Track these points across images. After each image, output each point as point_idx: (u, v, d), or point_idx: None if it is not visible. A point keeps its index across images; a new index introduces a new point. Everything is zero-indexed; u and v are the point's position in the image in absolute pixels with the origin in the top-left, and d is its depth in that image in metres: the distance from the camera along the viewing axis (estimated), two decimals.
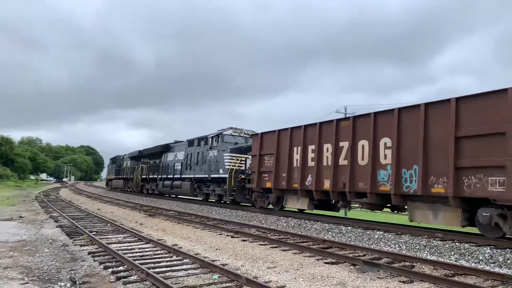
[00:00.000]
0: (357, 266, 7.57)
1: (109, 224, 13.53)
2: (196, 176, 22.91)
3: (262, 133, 17.29)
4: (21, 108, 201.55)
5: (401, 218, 18.70)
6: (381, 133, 11.78)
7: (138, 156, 35.05)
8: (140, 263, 7.18)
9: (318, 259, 8.24)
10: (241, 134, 21.34)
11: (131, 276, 6.64)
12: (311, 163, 14.32)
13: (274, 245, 9.77)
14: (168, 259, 8.08)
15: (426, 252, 8.89)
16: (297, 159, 15.04)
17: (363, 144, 12.32)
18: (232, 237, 11.15)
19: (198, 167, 22.78)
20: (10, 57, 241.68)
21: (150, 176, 30.89)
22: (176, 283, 6.18)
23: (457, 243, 9.25)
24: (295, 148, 15.19)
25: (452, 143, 9.69)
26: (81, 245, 9.52)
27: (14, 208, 20.19)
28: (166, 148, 28.94)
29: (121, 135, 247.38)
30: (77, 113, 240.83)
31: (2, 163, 66.74)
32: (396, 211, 12.71)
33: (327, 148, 13.67)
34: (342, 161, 12.99)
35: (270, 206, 17.18)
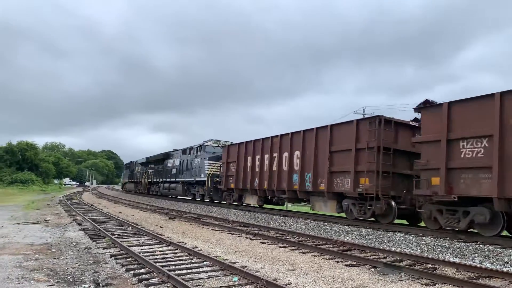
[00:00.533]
0: (377, 269, 7.49)
1: (130, 227, 13.76)
2: (185, 179, 27.80)
3: (228, 145, 22.20)
4: (46, 115, 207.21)
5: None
6: (295, 147, 16.19)
7: (146, 162, 39.45)
8: (161, 266, 7.29)
9: (338, 262, 8.19)
10: (219, 145, 25.34)
11: (153, 278, 6.75)
12: (257, 169, 18.85)
13: (293, 248, 9.76)
14: (189, 261, 8.17)
15: (448, 254, 8.73)
16: (249, 165, 19.60)
17: (286, 155, 16.74)
18: (251, 239, 11.18)
19: (188, 172, 27.42)
20: (37, 66, 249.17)
21: (154, 180, 35.75)
22: (197, 285, 6.25)
23: (481, 245, 9.04)
24: (248, 157, 19.69)
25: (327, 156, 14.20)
26: (104, 248, 9.72)
27: (39, 212, 20.74)
28: (167, 156, 33.22)
29: (142, 139, 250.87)
30: (100, 118, 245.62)
31: (27, 168, 68.58)
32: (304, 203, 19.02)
33: (266, 157, 18.15)
34: (274, 167, 17.41)
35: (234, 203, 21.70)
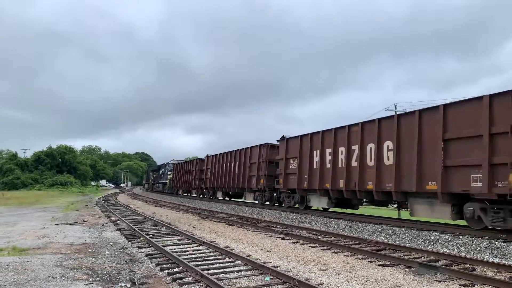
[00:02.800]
0: (412, 269, 7.32)
1: (164, 227, 14.07)
2: (162, 182, 51.48)
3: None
4: (85, 119, 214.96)
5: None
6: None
7: (153, 170, 63.38)
8: (194, 265, 7.42)
9: (371, 262, 8.06)
10: (175, 162, 45.71)
11: (186, 277, 6.88)
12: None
13: (325, 247, 9.68)
14: (221, 260, 8.28)
15: (488, 254, 8.40)
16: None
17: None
18: (282, 239, 11.19)
19: (164, 177, 50.11)
20: (78, 71, 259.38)
21: (153, 182, 58.99)
22: (229, 285, 6.32)
23: None
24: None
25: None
26: (139, 248, 10.00)
27: (78, 213, 21.57)
28: (160, 167, 56.50)
29: (178, 140, 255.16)
30: (136, 121, 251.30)
31: (67, 171, 71.49)
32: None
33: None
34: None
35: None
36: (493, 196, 9.59)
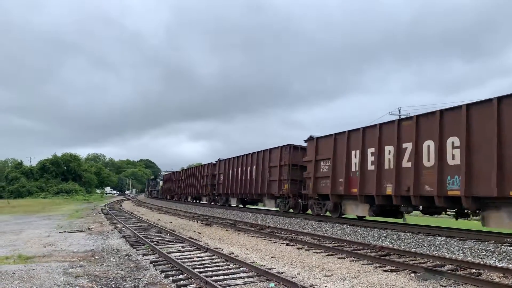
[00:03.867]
0: (418, 274, 7.28)
1: (168, 234, 14.08)
2: (156, 189, 61.82)
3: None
4: (90, 127, 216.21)
5: (453, 222, 17.69)
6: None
7: (151, 179, 75.44)
8: (199, 272, 7.42)
9: (376, 267, 8.03)
10: (166, 172, 57.99)
11: (191, 284, 6.88)
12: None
13: (330, 253, 9.65)
14: (225, 267, 8.27)
15: (494, 258, 8.35)
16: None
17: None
18: (287, 245, 11.16)
19: (156, 185, 62.22)
20: (85, 79, 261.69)
21: (151, 189, 68.36)
22: None
23: None
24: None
25: None
26: (144, 255, 10.00)
27: (83, 220, 21.61)
28: (156, 176, 72.72)
29: (182, 147, 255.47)
30: (141, 128, 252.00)
31: (71, 179, 71.80)
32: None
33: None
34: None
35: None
36: None
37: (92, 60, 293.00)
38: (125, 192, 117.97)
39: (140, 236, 13.10)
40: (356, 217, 16.68)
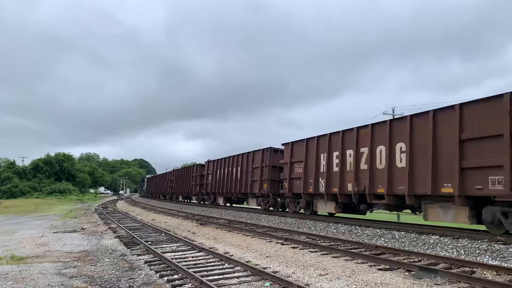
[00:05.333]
0: (412, 272, 7.32)
1: (163, 234, 14.04)
2: (144, 189, 71.27)
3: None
4: (85, 125, 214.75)
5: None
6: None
7: (141, 181, 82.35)
8: (194, 272, 7.41)
9: (371, 266, 8.06)
10: (152, 175, 71.77)
11: (186, 284, 6.87)
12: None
13: (324, 252, 9.67)
14: (220, 267, 8.26)
15: (487, 257, 8.41)
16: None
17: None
18: (282, 244, 11.17)
19: (144, 186, 71.87)
20: (81, 77, 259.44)
21: (141, 189, 76.72)
22: None
23: None
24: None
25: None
26: (138, 255, 9.97)
27: (77, 221, 21.49)
28: (143, 179, 78.39)
29: (177, 146, 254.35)
30: (136, 127, 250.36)
31: (65, 179, 71.29)
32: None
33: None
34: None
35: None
36: None
37: (88, 57, 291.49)
38: (119, 192, 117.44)
39: (135, 236, 13.05)
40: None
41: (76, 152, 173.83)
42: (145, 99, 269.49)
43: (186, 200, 40.01)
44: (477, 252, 8.78)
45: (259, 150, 22.63)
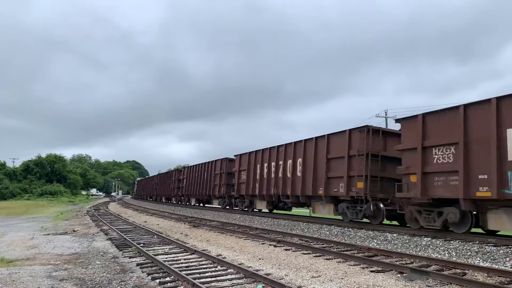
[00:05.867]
0: (404, 274, 7.35)
1: (155, 236, 13.95)
2: (136, 191, 79.03)
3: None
4: (78, 127, 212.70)
5: None
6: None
7: (133, 183, 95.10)
8: (186, 274, 7.36)
9: (363, 268, 8.08)
10: (139, 179, 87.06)
11: (178, 286, 6.82)
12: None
13: (317, 254, 9.68)
14: (213, 269, 8.22)
15: (478, 258, 8.48)
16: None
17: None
18: (274, 246, 11.16)
19: (135, 188, 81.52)
20: (74, 78, 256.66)
21: (133, 191, 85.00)
22: None
23: None
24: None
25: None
26: (130, 257, 9.89)
27: (68, 223, 21.28)
28: (134, 182, 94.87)
29: (171, 148, 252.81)
30: (130, 128, 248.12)
31: (56, 180, 70.58)
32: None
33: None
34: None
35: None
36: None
37: (81, 58, 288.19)
38: (112, 194, 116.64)
39: (127, 238, 12.95)
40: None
41: (68, 153, 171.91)
42: (139, 101, 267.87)
43: (167, 201, 44.55)
44: (468, 254, 8.84)
45: (219, 159, 27.72)
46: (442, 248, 9.56)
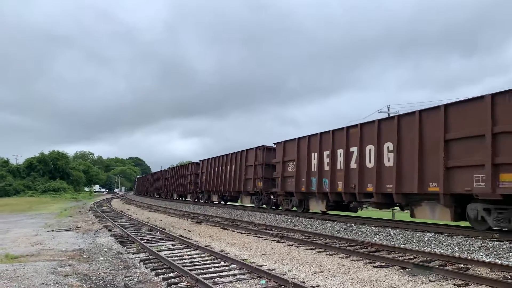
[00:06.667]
0: (407, 269, 7.36)
1: (158, 232, 14.00)
2: (136, 187, 79.87)
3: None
4: (81, 123, 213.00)
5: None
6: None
7: (135, 179, 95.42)
8: (189, 270, 7.40)
9: (366, 263, 8.09)
10: (139, 176, 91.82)
11: (181, 282, 6.85)
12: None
13: (320, 250, 9.70)
14: (216, 265, 8.26)
15: (481, 253, 8.47)
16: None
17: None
18: (277, 242, 11.18)
19: (137, 184, 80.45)
20: (77, 75, 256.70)
21: (134, 188, 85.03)
22: None
23: None
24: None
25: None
26: (133, 253, 9.94)
27: (72, 219, 21.39)
28: (135, 179, 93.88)
29: (174, 144, 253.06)
30: (133, 125, 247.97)
31: (59, 177, 70.89)
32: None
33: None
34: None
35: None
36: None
37: (86, 54, 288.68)
38: (114, 190, 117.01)
39: (130, 234, 13.01)
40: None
41: (71, 150, 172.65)
42: (142, 97, 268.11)
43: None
44: (471, 249, 8.84)
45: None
46: (445, 243, 9.55)
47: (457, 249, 9.01)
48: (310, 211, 17.98)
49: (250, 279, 6.97)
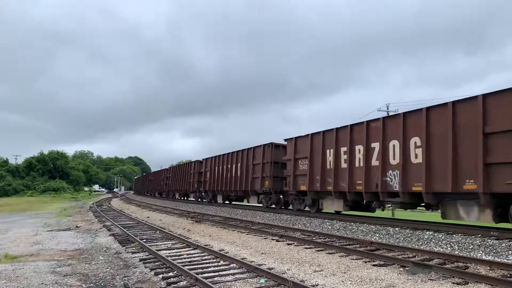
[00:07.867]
0: (406, 268, 7.36)
1: (158, 232, 14.00)
2: (136, 186, 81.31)
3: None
4: (82, 123, 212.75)
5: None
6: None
7: (135, 179, 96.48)
8: (189, 269, 7.39)
9: (365, 262, 8.09)
10: (138, 177, 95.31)
11: (181, 281, 6.85)
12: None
13: (319, 248, 9.70)
14: (216, 264, 8.25)
15: (480, 252, 8.47)
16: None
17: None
18: (277, 241, 11.18)
19: (137, 183, 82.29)
20: (80, 72, 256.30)
21: (134, 187, 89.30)
22: None
23: None
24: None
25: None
26: (133, 253, 9.93)
27: (71, 219, 21.38)
28: (134, 179, 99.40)
29: (175, 144, 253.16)
30: (134, 124, 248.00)
31: (59, 177, 70.90)
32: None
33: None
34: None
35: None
36: None
37: (88, 52, 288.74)
38: (114, 190, 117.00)
39: (129, 234, 13.00)
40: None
41: (70, 149, 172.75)
42: (144, 96, 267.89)
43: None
44: (470, 247, 8.84)
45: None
46: (444, 241, 9.56)
47: (457, 248, 9.01)
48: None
49: (249, 278, 6.96)
